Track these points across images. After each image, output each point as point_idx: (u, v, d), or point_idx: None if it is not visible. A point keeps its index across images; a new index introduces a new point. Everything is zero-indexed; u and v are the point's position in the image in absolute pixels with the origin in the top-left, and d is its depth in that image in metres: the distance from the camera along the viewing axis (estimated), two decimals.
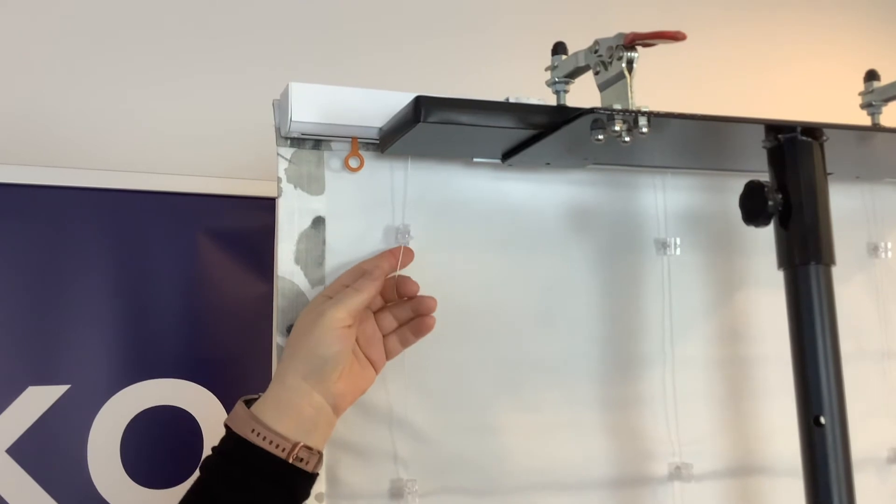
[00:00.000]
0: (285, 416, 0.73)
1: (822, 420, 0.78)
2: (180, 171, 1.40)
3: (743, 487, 0.96)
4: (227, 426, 0.74)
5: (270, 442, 0.71)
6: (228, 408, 1.26)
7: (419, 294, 0.81)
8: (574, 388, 0.91)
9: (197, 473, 0.75)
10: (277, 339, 0.82)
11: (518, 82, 1.08)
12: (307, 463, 0.73)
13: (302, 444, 0.72)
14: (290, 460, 0.72)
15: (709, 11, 1.98)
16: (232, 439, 0.73)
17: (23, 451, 1.17)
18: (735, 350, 0.98)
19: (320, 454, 0.74)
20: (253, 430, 0.72)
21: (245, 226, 1.35)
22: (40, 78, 1.46)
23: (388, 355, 0.82)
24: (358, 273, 0.80)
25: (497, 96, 0.80)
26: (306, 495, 0.74)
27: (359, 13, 1.68)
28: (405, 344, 0.82)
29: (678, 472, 0.92)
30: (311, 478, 0.74)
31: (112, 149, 1.46)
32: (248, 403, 0.75)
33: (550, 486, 0.89)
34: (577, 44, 0.81)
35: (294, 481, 0.73)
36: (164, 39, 1.53)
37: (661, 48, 0.75)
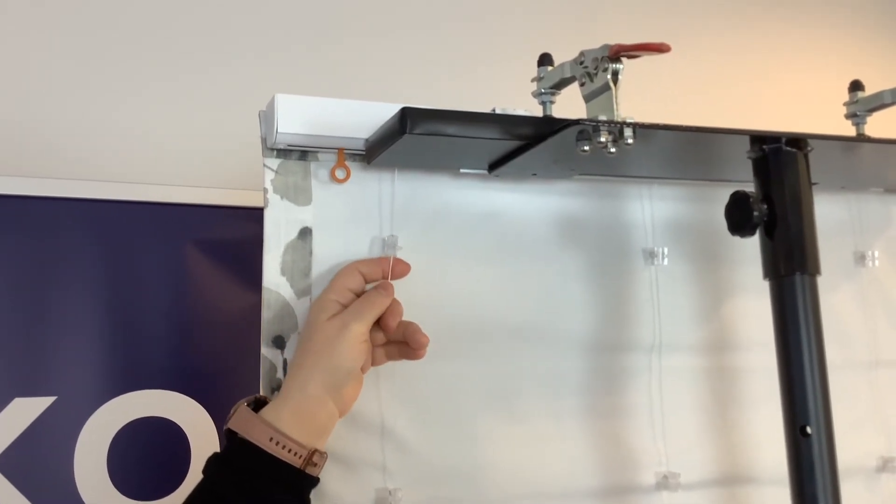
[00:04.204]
0: (303, 424, 0.74)
1: (809, 430, 0.78)
2: (169, 181, 1.40)
3: (730, 497, 0.96)
4: (232, 431, 0.74)
5: (290, 451, 0.72)
6: (216, 419, 1.27)
7: (416, 330, 0.81)
8: (562, 399, 0.91)
9: (187, 481, 0.74)
10: (263, 350, 0.82)
11: (507, 92, 1.09)
12: (317, 467, 0.74)
13: (316, 449, 0.74)
14: (303, 466, 0.73)
15: (695, 23, 1.99)
16: (245, 447, 0.73)
17: (9, 463, 1.16)
18: (722, 359, 0.98)
19: (326, 457, 0.76)
20: (271, 439, 0.72)
21: (234, 236, 1.35)
22: (28, 89, 1.45)
23: (373, 363, 0.82)
24: (355, 275, 0.80)
25: (485, 107, 0.81)
26: (308, 500, 0.75)
27: (347, 26, 1.68)
28: (390, 358, 0.83)
29: (665, 482, 0.93)
30: (316, 482, 0.75)
31: (100, 159, 1.46)
32: (249, 406, 0.75)
33: (537, 496, 0.89)
34: (567, 54, 0.81)
35: (304, 486, 0.74)
36: (153, 50, 1.53)
37: (648, 58, 0.76)
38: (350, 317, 0.77)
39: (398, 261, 0.84)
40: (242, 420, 0.74)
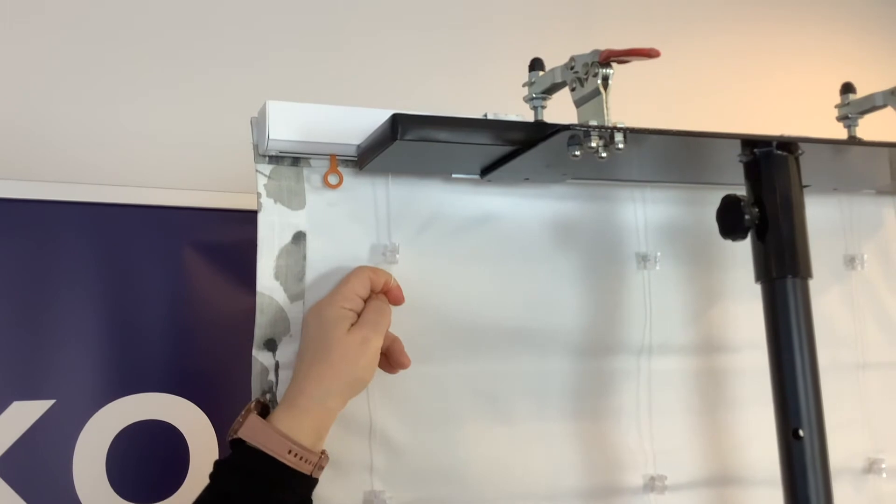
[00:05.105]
0: (318, 434, 0.76)
1: (801, 433, 0.78)
2: (166, 184, 1.40)
3: (718, 498, 0.96)
4: (241, 440, 0.74)
5: (305, 460, 0.74)
6: (215, 422, 1.27)
7: (401, 351, 0.82)
8: (551, 400, 0.91)
9: (186, 484, 0.75)
10: (255, 353, 0.82)
11: (501, 97, 1.09)
12: (322, 469, 0.76)
13: (323, 452, 0.76)
14: (312, 471, 0.74)
15: (687, 27, 1.99)
16: (257, 456, 0.73)
17: (8, 467, 1.17)
18: (712, 362, 0.98)
19: (328, 458, 0.77)
20: (290, 451, 0.73)
21: (231, 239, 1.35)
22: (27, 93, 1.46)
23: None
24: (366, 281, 0.81)
25: (478, 111, 0.81)
26: (311, 499, 0.77)
27: (343, 32, 1.69)
28: None
29: (652, 483, 0.93)
30: (317, 482, 0.76)
31: (97, 163, 1.46)
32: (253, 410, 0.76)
33: (525, 497, 0.89)
34: (561, 58, 0.82)
35: (310, 489, 0.76)
36: (148, 54, 1.53)
37: (639, 63, 0.76)
38: (370, 331, 0.78)
39: (399, 288, 0.84)
40: (257, 431, 0.74)
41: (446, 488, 0.86)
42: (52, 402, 1.21)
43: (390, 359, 0.82)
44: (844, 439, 0.98)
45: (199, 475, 0.77)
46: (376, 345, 0.78)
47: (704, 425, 0.97)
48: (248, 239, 1.30)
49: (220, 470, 0.75)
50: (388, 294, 0.83)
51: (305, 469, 0.74)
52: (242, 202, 1.34)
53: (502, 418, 0.89)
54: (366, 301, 0.81)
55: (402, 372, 0.84)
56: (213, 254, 1.33)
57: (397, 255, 0.85)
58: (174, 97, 1.54)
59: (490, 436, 0.89)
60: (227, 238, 1.34)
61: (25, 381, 1.20)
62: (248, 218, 1.30)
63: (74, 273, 1.25)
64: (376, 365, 0.79)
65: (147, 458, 1.24)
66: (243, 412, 0.76)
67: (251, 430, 0.74)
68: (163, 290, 1.29)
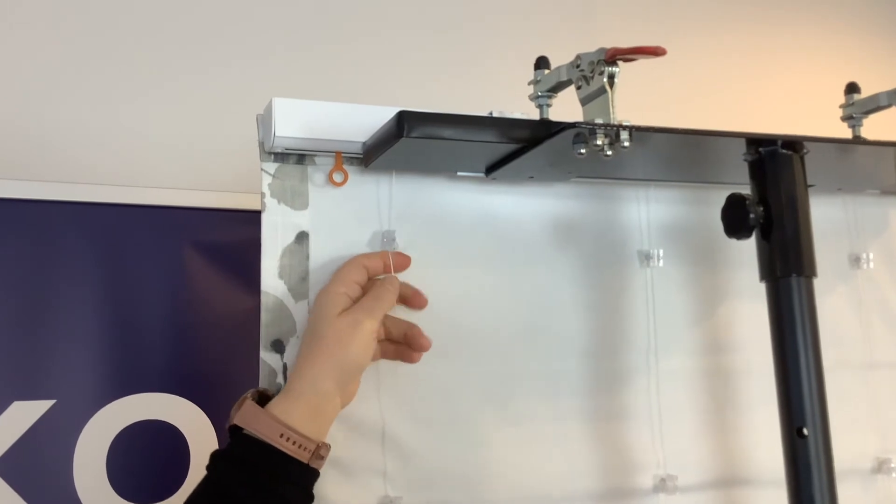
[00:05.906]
0: (313, 419, 0.74)
1: (805, 431, 0.78)
2: (168, 184, 1.40)
3: (728, 499, 0.96)
4: (238, 427, 0.74)
5: (299, 446, 0.73)
6: (215, 422, 1.27)
7: (419, 333, 0.82)
8: (559, 401, 0.91)
9: (186, 483, 0.74)
10: (263, 354, 0.82)
11: (505, 94, 1.09)
12: (322, 460, 0.75)
13: (323, 442, 0.75)
14: (310, 460, 0.73)
15: (692, 25, 1.99)
16: (252, 442, 0.72)
17: (8, 467, 1.16)
18: (718, 361, 0.98)
19: (330, 449, 0.76)
20: (282, 435, 0.72)
21: (232, 239, 1.35)
22: (25, 92, 1.46)
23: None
24: (360, 268, 0.81)
25: (482, 109, 0.81)
26: (312, 493, 0.76)
27: (345, 29, 1.68)
28: (384, 356, 0.84)
29: (663, 485, 0.93)
30: (317, 474, 0.75)
31: (98, 162, 1.46)
32: (253, 400, 0.75)
33: (536, 499, 0.89)
34: (563, 56, 0.82)
35: (310, 479, 0.74)
36: (150, 53, 1.53)
37: (644, 61, 0.76)
38: (363, 314, 0.77)
39: (397, 254, 0.84)
40: (250, 416, 0.73)
41: (458, 491, 0.86)
42: (52, 401, 1.20)
43: (411, 343, 0.82)
44: (853, 439, 0.98)
45: (199, 475, 0.77)
46: (369, 328, 0.77)
47: (713, 425, 0.96)
48: (248, 239, 1.30)
49: (214, 458, 0.74)
50: (395, 267, 0.83)
51: (302, 456, 0.72)
52: (242, 202, 1.34)
53: (511, 419, 0.89)
54: (364, 287, 0.81)
55: (410, 376, 0.84)
56: (213, 254, 1.33)
57: (395, 241, 0.85)
58: (175, 97, 1.54)
59: (499, 437, 0.88)
60: (227, 238, 1.34)
61: (26, 381, 1.20)
62: (248, 218, 1.31)
63: (74, 273, 1.25)
64: (369, 348, 0.78)
65: (147, 458, 1.24)
66: (240, 400, 0.76)
67: (245, 416, 0.74)
68: (163, 291, 1.29)
